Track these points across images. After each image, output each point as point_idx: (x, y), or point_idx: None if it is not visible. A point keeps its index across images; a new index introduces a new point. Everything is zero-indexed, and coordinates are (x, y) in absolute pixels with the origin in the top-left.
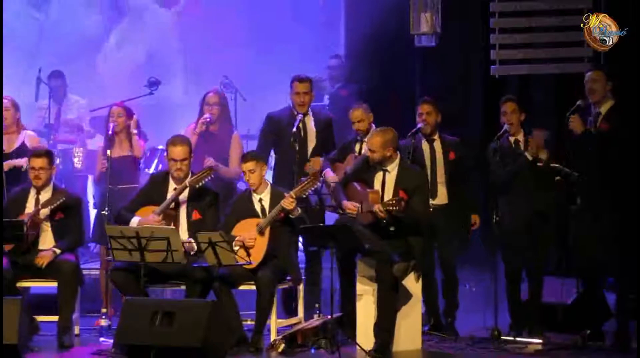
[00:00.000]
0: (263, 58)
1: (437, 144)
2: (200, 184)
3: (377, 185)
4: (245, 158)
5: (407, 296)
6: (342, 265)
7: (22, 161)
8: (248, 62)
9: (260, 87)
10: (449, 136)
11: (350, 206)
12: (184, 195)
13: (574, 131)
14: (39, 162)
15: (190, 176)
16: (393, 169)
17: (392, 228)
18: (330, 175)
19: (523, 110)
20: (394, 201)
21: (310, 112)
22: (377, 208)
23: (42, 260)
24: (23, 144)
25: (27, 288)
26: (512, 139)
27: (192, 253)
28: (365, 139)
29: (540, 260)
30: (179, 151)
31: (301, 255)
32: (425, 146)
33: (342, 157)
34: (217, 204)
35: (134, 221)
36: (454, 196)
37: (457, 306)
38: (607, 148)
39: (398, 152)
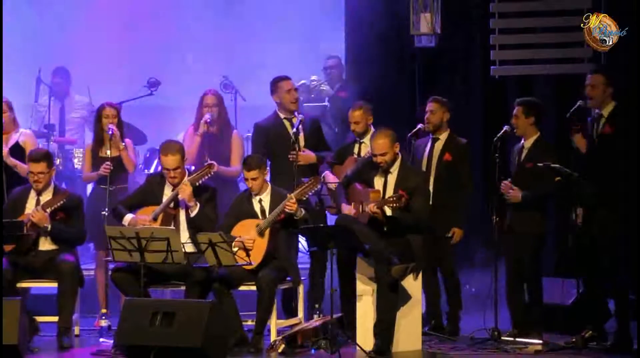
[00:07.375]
0: (263, 58)
1: (439, 144)
2: (199, 182)
3: (379, 186)
4: (249, 166)
5: (407, 297)
6: (342, 265)
7: (24, 166)
8: (248, 62)
9: (260, 88)
10: (461, 138)
11: (347, 211)
12: None
13: (579, 149)
14: (38, 167)
15: (188, 174)
16: (394, 169)
17: (385, 228)
18: (330, 177)
19: (531, 113)
20: (394, 198)
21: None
22: (370, 207)
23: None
24: (17, 143)
25: (27, 289)
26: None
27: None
28: (365, 142)
29: (540, 260)
30: (170, 161)
31: (303, 257)
32: (428, 145)
33: (341, 160)
34: (215, 199)
35: (127, 218)
36: (439, 198)
37: (461, 307)
38: (613, 151)
39: (399, 153)
